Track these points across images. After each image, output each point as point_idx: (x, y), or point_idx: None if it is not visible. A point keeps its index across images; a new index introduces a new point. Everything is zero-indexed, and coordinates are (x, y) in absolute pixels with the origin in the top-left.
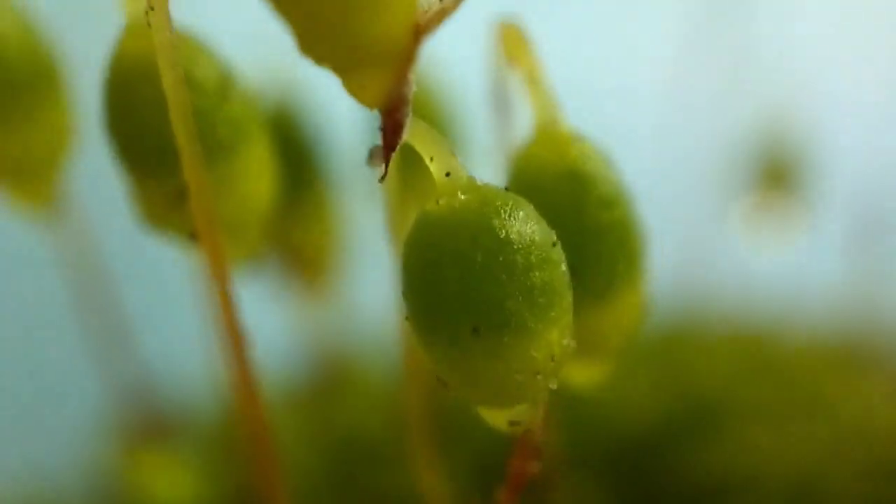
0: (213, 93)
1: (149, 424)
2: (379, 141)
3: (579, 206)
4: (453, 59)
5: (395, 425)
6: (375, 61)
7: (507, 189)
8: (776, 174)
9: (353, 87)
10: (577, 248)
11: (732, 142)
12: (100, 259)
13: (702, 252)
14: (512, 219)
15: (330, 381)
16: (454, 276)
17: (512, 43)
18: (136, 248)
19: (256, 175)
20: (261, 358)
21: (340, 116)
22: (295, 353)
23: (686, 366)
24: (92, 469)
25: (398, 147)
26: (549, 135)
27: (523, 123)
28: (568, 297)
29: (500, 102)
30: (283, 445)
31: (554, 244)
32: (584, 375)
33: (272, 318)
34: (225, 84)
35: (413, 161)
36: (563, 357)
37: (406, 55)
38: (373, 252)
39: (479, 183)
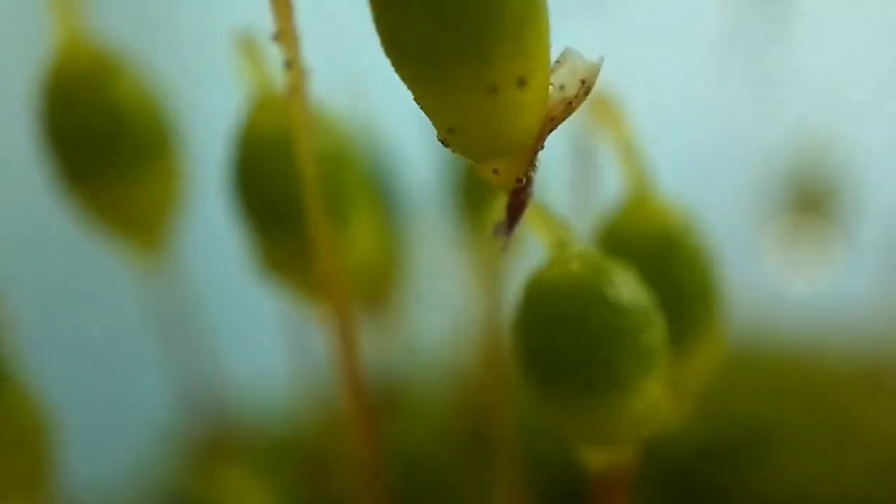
0: (335, 162)
1: (221, 438)
2: (502, 216)
3: (670, 271)
4: None
5: (456, 448)
6: (508, 151)
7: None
8: (810, 198)
9: (487, 172)
10: (666, 307)
11: (767, 166)
12: (180, 273)
13: (737, 276)
14: (621, 287)
15: (390, 404)
16: (569, 339)
17: (604, 108)
18: (216, 265)
19: (367, 235)
20: (322, 379)
21: (409, 146)
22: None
23: (729, 390)
24: (163, 482)
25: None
26: (642, 203)
27: (606, 184)
28: (665, 354)
29: (585, 162)
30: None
31: (655, 308)
32: (665, 415)
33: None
34: (344, 152)
35: (484, 200)
36: (659, 406)
37: (535, 145)
38: (434, 278)
39: (589, 253)
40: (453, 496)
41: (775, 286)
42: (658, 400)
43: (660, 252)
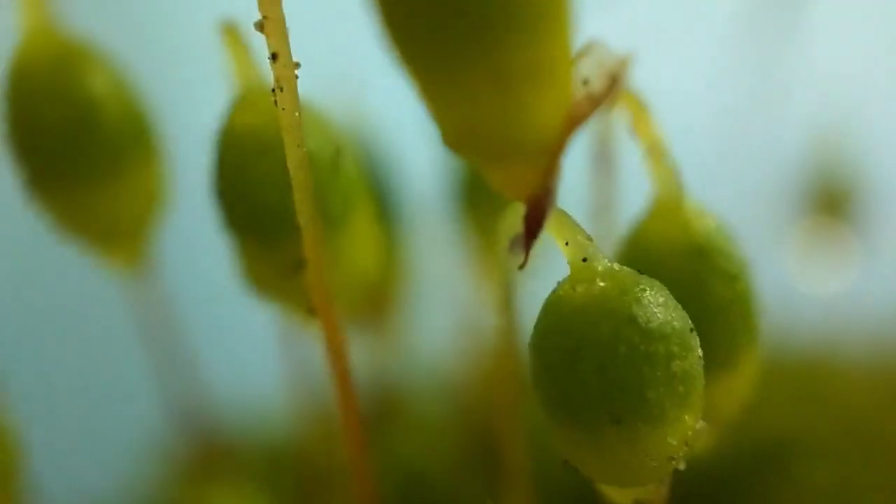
0: (328, 165)
1: (211, 451)
2: (520, 230)
3: (704, 283)
4: None
5: (461, 462)
6: (525, 154)
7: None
8: (828, 199)
9: (500, 180)
10: (701, 324)
11: (782, 167)
12: (166, 282)
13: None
14: (653, 308)
15: (388, 415)
16: (595, 367)
17: (634, 112)
18: (204, 272)
19: (364, 245)
20: (315, 387)
21: (409, 144)
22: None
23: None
24: (152, 496)
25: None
26: (672, 209)
27: (626, 186)
28: (702, 381)
29: (604, 164)
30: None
31: (691, 330)
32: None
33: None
34: (338, 154)
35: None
36: (695, 440)
37: (558, 147)
38: (437, 287)
39: (616, 268)
40: None
41: (793, 290)
42: (694, 433)
43: (694, 265)
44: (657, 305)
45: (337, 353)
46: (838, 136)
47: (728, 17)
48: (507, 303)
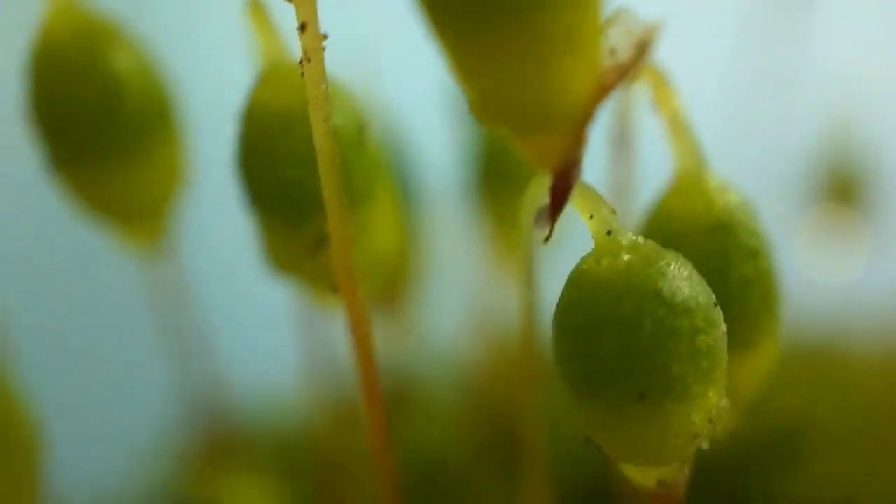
0: (353, 141)
1: (226, 439)
2: (545, 202)
3: (726, 259)
4: None
5: (477, 451)
6: (554, 123)
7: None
8: (841, 188)
9: (527, 150)
10: (723, 301)
11: (796, 156)
12: (182, 265)
13: None
14: (678, 281)
15: (403, 401)
16: (619, 343)
17: (655, 85)
18: (222, 254)
19: (387, 223)
20: (331, 376)
21: (425, 129)
22: None
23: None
24: (166, 486)
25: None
26: (694, 184)
27: (644, 164)
28: (725, 357)
29: (622, 142)
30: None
31: (715, 305)
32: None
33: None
34: (362, 131)
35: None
36: (719, 418)
37: (586, 116)
38: (450, 270)
39: (641, 242)
40: (473, 501)
41: (805, 278)
42: (718, 410)
43: (717, 240)
44: (682, 279)
45: (361, 332)
46: (849, 124)
47: (740, 6)
48: (528, 280)
